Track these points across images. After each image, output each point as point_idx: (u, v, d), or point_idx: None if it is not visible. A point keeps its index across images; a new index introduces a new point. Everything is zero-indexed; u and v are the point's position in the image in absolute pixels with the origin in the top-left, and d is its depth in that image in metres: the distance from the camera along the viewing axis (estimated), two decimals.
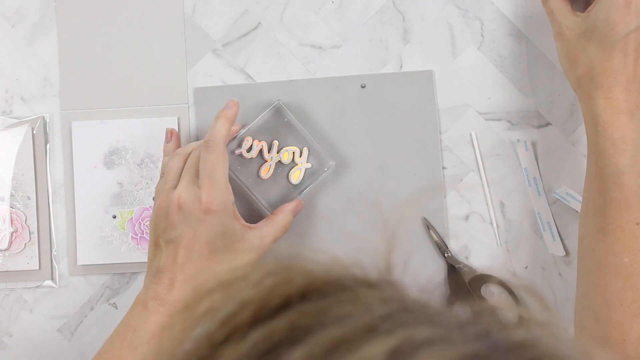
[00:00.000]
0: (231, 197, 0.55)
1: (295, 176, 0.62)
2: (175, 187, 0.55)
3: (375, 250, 0.31)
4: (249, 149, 0.62)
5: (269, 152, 0.62)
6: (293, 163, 0.63)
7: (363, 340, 0.24)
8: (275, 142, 0.63)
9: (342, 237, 0.64)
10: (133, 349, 0.51)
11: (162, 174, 0.58)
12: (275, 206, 0.62)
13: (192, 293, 0.29)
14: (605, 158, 0.52)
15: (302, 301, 0.27)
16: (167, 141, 0.61)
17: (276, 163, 0.62)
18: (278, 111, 0.63)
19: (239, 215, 0.57)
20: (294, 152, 0.62)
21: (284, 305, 0.26)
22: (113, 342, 0.53)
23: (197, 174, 0.55)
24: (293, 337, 0.25)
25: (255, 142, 0.62)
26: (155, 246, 0.55)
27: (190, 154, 0.57)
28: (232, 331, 0.26)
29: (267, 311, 0.26)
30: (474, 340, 0.25)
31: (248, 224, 0.57)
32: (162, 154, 0.61)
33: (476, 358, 0.24)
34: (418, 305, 0.27)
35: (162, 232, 0.54)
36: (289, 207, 0.60)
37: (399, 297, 0.28)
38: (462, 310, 0.27)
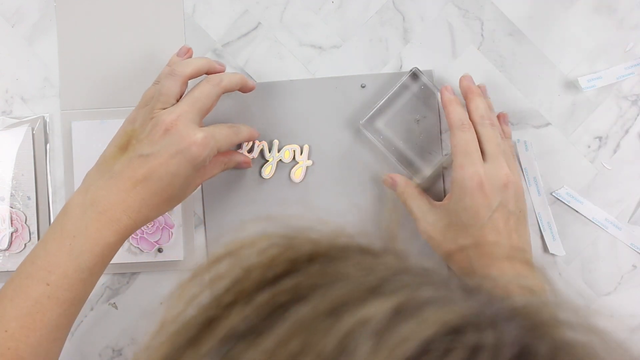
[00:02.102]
0: (214, 154, 0.53)
1: (297, 174, 0.62)
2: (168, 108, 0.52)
3: (380, 220, 0.32)
4: (250, 150, 0.62)
5: (269, 151, 0.62)
6: (294, 161, 0.63)
7: (367, 298, 0.24)
8: (276, 142, 0.63)
9: (349, 209, 0.64)
10: (73, 257, 0.48)
11: (157, 83, 0.55)
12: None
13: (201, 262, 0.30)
14: None
15: (307, 265, 0.27)
16: (179, 55, 0.58)
17: (277, 162, 0.62)
18: (415, 77, 0.64)
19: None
20: (294, 151, 0.63)
21: (290, 271, 0.27)
22: (47, 246, 0.49)
23: (203, 111, 0.53)
24: (298, 296, 0.26)
25: (256, 142, 0.62)
26: (121, 149, 0.52)
27: (199, 78, 0.55)
28: (239, 294, 0.27)
29: (272, 276, 0.27)
30: (477, 304, 0.25)
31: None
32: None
33: (479, 317, 0.24)
34: (422, 270, 0.28)
35: (137, 140, 0.51)
36: (239, 157, 0.60)
37: (403, 263, 0.29)
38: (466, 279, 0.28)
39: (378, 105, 0.63)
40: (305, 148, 0.63)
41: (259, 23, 0.65)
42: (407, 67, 0.65)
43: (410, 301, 0.24)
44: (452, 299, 0.25)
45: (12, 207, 0.63)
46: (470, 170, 0.52)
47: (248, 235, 0.28)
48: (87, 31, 0.65)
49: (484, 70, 0.65)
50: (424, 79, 0.64)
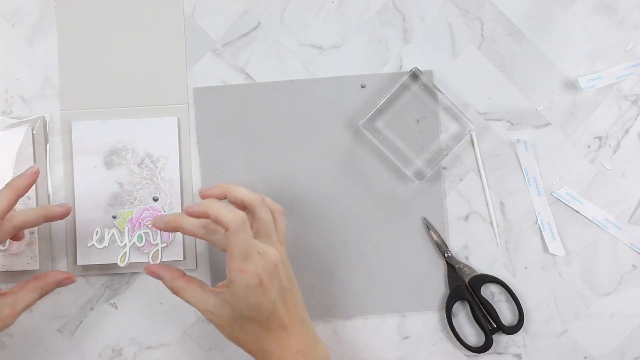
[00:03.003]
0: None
1: (155, 256, 0.60)
2: None
3: None
4: (100, 240, 0.60)
5: (122, 238, 0.61)
6: (149, 244, 0.61)
7: None
8: (126, 227, 0.61)
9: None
10: None
11: None
12: None
13: None
14: None
15: None
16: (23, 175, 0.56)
17: (131, 248, 0.60)
18: (415, 77, 0.64)
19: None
20: (145, 234, 0.61)
21: None
22: None
23: None
24: None
25: (106, 230, 0.60)
26: None
27: None
28: None
29: None
30: None
31: (3, 291, 0.55)
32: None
33: None
34: None
35: None
36: (56, 276, 0.58)
37: None
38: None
39: (378, 105, 0.63)
40: (158, 234, 0.60)
41: (259, 23, 0.65)
42: (407, 67, 0.65)
43: None
44: None
45: None
46: (252, 272, 0.49)
47: None
48: (87, 31, 0.65)
49: (484, 70, 0.65)
50: (424, 79, 0.64)
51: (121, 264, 0.61)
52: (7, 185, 0.55)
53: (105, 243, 0.60)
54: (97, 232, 0.60)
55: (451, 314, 0.63)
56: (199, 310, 0.53)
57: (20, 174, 0.56)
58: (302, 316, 0.55)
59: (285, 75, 0.65)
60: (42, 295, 0.56)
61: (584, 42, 0.65)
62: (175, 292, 0.54)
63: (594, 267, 0.65)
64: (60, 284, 0.58)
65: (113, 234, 0.60)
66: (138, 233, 0.60)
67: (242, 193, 0.53)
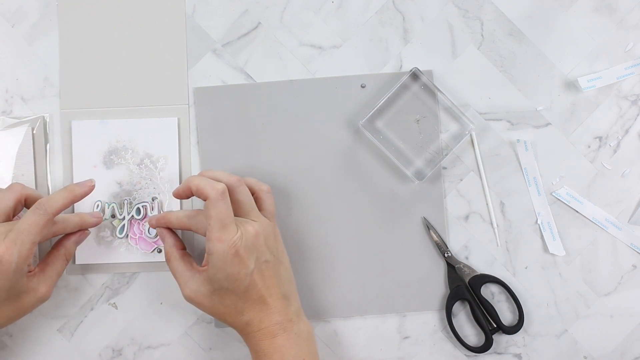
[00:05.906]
0: (29, 260, 0.53)
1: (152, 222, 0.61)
2: None
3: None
4: (101, 212, 0.62)
5: (120, 209, 0.62)
6: (147, 217, 0.62)
7: None
8: (126, 200, 0.62)
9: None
10: None
11: None
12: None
13: None
14: None
15: None
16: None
17: (129, 220, 0.62)
18: (415, 77, 0.64)
19: (32, 268, 0.55)
20: (144, 206, 0.62)
21: None
22: None
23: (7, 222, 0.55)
24: None
25: (106, 203, 0.62)
26: None
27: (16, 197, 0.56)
28: None
29: None
30: None
31: (33, 271, 0.55)
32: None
33: None
34: None
35: None
36: (71, 238, 0.59)
37: None
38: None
39: (378, 105, 0.63)
40: (156, 203, 0.62)
41: (259, 23, 0.65)
42: (407, 67, 0.65)
43: None
44: None
45: None
46: (228, 241, 0.52)
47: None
48: (88, 31, 0.65)
49: (484, 70, 0.65)
50: (424, 79, 0.64)
51: (119, 235, 0.62)
52: (65, 188, 0.58)
53: (106, 215, 0.62)
54: (98, 204, 0.62)
55: (451, 314, 0.63)
56: (179, 285, 0.56)
57: (79, 182, 0.59)
58: (285, 291, 0.56)
59: (285, 75, 0.65)
60: (68, 260, 0.59)
61: (584, 42, 0.65)
62: (167, 259, 0.57)
63: (594, 267, 0.65)
64: (79, 242, 0.60)
65: (113, 207, 0.61)
66: (136, 206, 0.62)
67: (220, 176, 0.56)
